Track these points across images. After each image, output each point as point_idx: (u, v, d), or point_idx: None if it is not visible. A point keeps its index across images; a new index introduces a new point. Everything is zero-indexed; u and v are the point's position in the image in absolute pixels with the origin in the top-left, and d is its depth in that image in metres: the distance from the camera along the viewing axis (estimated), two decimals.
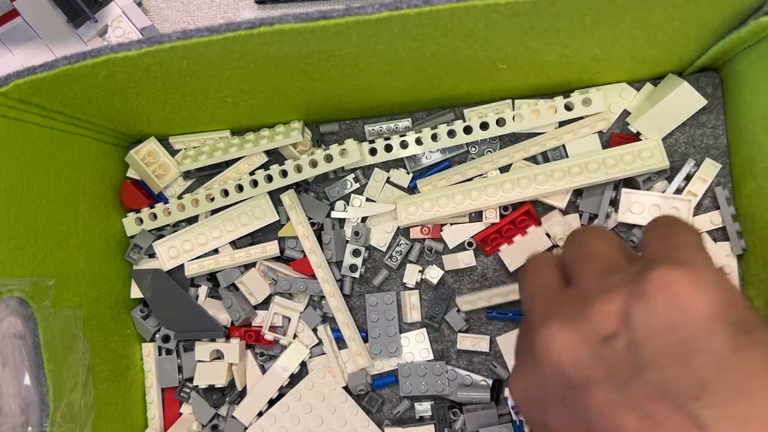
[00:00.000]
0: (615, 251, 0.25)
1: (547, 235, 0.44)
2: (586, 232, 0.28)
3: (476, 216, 0.45)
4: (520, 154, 0.44)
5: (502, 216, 0.44)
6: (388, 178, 0.46)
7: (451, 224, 0.45)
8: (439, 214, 0.44)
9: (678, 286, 0.20)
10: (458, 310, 0.45)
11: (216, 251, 0.46)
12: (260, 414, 0.45)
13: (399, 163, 0.46)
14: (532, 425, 0.24)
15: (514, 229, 0.44)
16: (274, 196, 0.46)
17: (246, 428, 0.45)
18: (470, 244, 0.45)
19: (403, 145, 0.44)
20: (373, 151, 0.45)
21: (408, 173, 0.46)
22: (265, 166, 0.46)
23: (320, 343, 0.46)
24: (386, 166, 0.46)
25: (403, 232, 0.46)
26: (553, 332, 0.22)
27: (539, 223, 0.44)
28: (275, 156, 0.47)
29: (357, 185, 0.46)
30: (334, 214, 0.46)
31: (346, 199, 0.46)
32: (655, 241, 0.23)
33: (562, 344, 0.22)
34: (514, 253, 0.44)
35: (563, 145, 0.44)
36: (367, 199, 0.46)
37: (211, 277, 0.47)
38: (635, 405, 0.20)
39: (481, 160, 0.45)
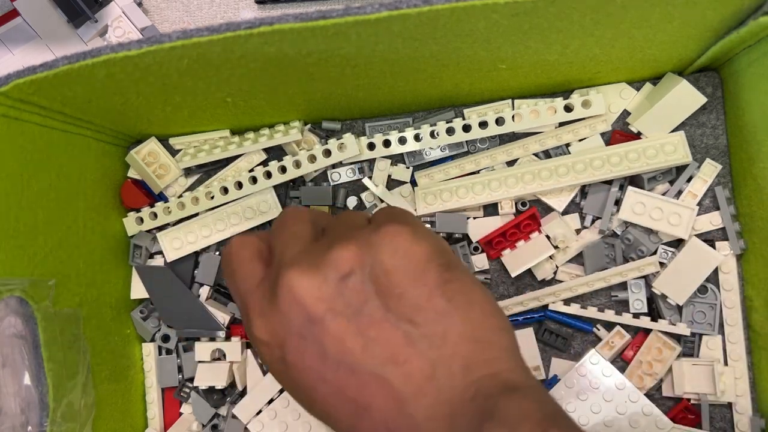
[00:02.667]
0: (361, 219, 0.31)
1: (547, 236, 0.44)
2: (350, 212, 0.34)
3: (492, 210, 0.45)
4: (535, 147, 0.44)
5: (518, 211, 0.44)
6: (390, 175, 0.46)
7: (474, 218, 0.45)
8: (458, 205, 0.44)
9: (401, 235, 0.27)
10: None
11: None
12: (260, 413, 0.45)
13: (399, 159, 0.46)
14: (271, 365, 0.28)
15: (519, 233, 0.44)
16: (279, 191, 0.46)
17: (246, 426, 0.45)
18: (476, 248, 0.45)
19: (402, 141, 0.44)
20: (371, 146, 0.45)
21: (408, 167, 0.46)
22: (264, 164, 0.46)
23: None
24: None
25: None
26: (299, 273, 0.26)
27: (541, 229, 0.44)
28: (275, 153, 0.47)
29: (361, 176, 0.46)
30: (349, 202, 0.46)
31: (348, 187, 0.46)
32: (383, 214, 0.30)
33: (306, 282, 0.26)
34: (516, 258, 0.44)
35: (568, 144, 0.44)
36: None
37: None
38: (363, 329, 0.25)
39: (482, 154, 0.44)
